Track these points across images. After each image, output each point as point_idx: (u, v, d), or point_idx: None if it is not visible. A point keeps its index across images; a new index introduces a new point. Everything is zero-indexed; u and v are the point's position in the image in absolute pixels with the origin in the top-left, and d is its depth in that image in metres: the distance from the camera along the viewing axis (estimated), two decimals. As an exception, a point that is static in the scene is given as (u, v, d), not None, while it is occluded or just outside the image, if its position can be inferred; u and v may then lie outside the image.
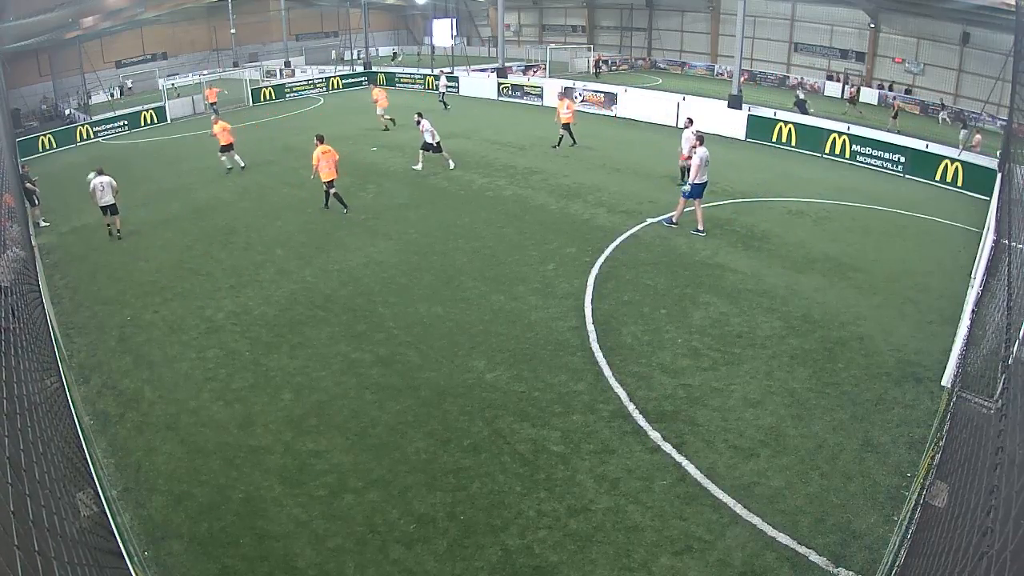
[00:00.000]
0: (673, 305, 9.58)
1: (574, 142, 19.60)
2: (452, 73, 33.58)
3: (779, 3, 39.00)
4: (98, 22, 36.54)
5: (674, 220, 12.63)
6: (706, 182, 12.17)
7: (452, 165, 17.39)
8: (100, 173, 13.26)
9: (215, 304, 10.17)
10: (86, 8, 33.16)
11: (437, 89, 30.24)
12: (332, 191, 14.01)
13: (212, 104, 28.87)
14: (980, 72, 28.78)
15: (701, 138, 12.44)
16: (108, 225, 13.49)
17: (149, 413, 7.53)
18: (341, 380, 7.99)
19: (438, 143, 17.08)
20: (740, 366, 8.00)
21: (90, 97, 34.73)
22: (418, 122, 17.19)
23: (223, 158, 17.94)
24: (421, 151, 17.31)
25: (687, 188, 12.19)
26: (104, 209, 13.26)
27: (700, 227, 12.25)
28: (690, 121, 15.05)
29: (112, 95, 38.15)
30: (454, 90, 32.99)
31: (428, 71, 35.58)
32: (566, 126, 19.36)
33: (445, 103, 28.12)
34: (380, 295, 10.22)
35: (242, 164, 18.02)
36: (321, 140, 14.05)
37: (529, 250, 11.79)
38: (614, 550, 5.40)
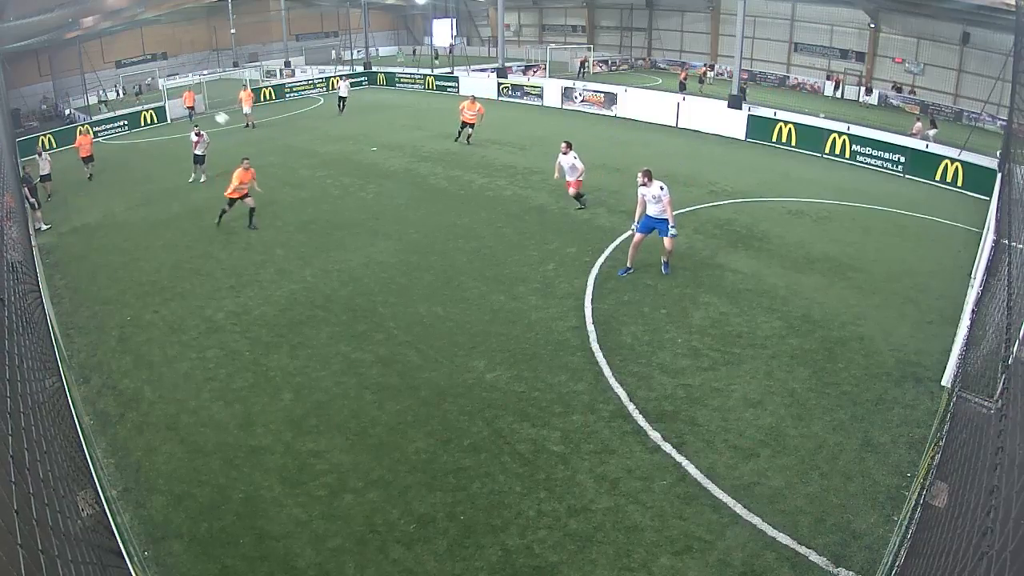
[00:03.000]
0: (673, 305, 9.58)
1: (457, 138, 20.94)
2: (355, 76, 34.33)
3: (779, 3, 38.97)
4: (98, 22, 36.50)
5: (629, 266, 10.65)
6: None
7: (203, 179, 17.47)
8: (44, 150, 17.47)
9: (215, 304, 10.17)
10: (86, 8, 33.15)
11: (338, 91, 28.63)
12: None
13: (190, 109, 28.05)
14: (980, 72, 28.78)
15: (648, 174, 10.11)
16: (48, 193, 16.75)
17: (149, 413, 7.53)
18: (341, 380, 7.99)
19: (202, 155, 17.46)
20: (740, 366, 8.00)
21: (118, 95, 34.66)
22: (198, 134, 17.57)
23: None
24: (198, 165, 17.61)
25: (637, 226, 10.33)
26: (44, 177, 16.74)
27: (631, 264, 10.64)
28: (568, 146, 13.17)
29: (136, 93, 37.71)
30: (454, 90, 32.99)
31: (428, 71, 35.59)
32: (469, 124, 20.63)
33: (340, 107, 27.61)
34: (380, 295, 10.22)
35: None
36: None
37: (529, 250, 11.79)
38: (614, 550, 5.40)
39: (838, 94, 35.97)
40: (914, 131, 19.87)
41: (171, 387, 8.02)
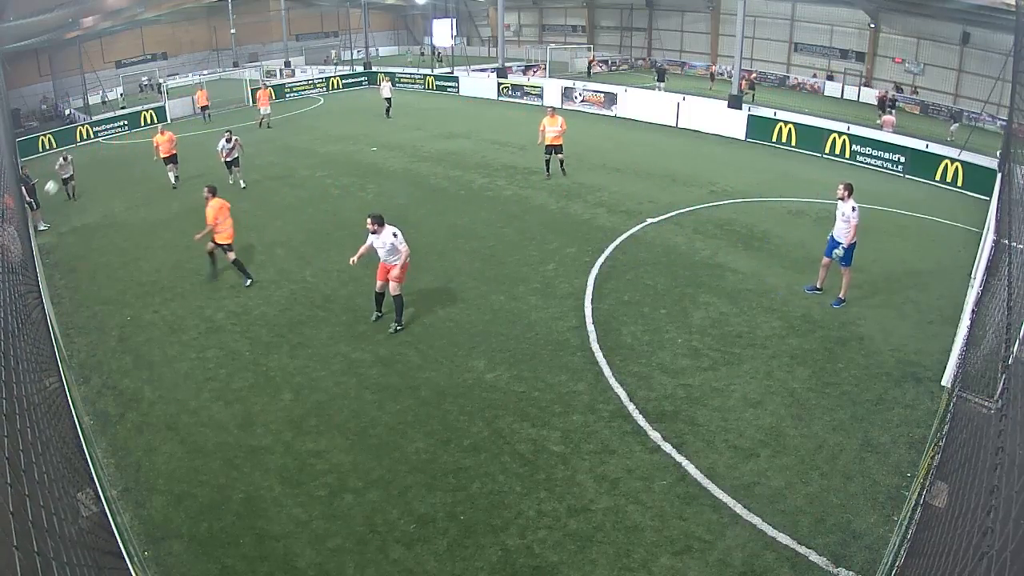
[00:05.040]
0: (673, 305, 9.58)
1: (548, 169, 16.59)
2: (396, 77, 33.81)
3: (779, 3, 38.97)
4: (98, 22, 36.49)
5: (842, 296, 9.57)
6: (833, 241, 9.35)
7: (242, 184, 16.55)
8: (66, 159, 16.99)
9: (215, 304, 10.17)
10: (86, 8, 33.14)
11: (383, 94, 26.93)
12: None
13: (204, 108, 27.74)
14: (980, 72, 28.77)
15: (849, 188, 9.10)
16: (70, 193, 16.90)
17: (149, 413, 7.53)
18: (341, 380, 7.99)
19: (235, 159, 16.65)
20: (740, 366, 8.00)
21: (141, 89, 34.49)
22: (229, 140, 16.55)
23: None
24: (233, 167, 16.72)
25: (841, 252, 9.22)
26: (66, 180, 16.78)
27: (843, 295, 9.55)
28: (377, 222, 8.79)
29: (159, 89, 37.27)
30: (454, 90, 32.95)
31: (428, 71, 35.59)
32: (555, 147, 16.20)
33: (387, 111, 26.15)
34: (380, 295, 10.21)
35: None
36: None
37: (529, 250, 11.79)
38: (614, 550, 5.40)
39: (840, 96, 35.97)
40: (884, 123, 20.47)
41: (171, 387, 8.02)
